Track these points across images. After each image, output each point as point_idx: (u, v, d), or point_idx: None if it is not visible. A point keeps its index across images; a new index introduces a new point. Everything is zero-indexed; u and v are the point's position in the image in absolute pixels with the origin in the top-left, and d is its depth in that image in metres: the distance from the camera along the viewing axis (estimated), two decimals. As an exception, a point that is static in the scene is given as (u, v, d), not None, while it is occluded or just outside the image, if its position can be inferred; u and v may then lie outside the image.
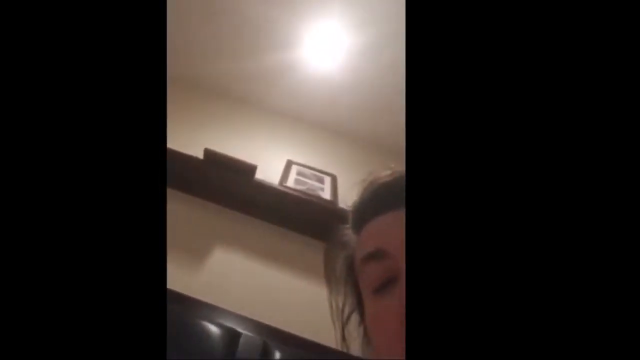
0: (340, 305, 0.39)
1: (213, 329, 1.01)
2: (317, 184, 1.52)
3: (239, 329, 1.06)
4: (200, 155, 1.31)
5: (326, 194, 1.48)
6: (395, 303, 0.30)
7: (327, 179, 1.56)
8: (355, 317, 0.38)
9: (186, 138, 1.40)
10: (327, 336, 0.99)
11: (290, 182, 1.47)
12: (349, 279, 0.38)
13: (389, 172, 0.38)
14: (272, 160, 1.55)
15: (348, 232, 0.39)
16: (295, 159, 1.60)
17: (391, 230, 0.33)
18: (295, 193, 1.38)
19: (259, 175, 1.34)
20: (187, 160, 1.30)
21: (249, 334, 1.06)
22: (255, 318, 1.13)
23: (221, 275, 1.23)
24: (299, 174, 1.54)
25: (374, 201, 0.36)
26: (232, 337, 1.02)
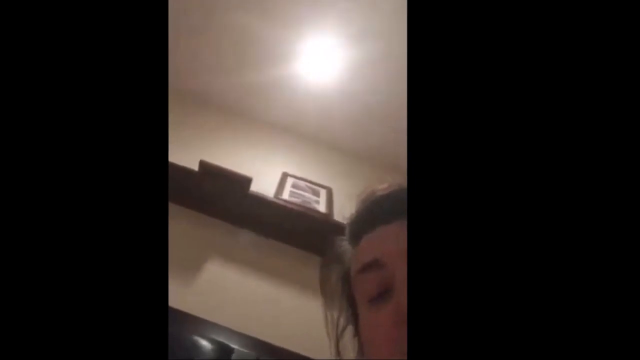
0: (335, 318, 0.39)
1: (205, 344, 0.99)
2: (312, 197, 1.51)
3: (232, 345, 1.04)
4: (195, 167, 1.31)
5: (321, 207, 1.47)
6: (390, 313, 0.30)
7: (323, 192, 1.56)
8: (350, 330, 0.38)
9: (181, 150, 1.39)
10: (320, 352, 0.98)
11: (286, 195, 1.46)
12: (345, 292, 0.38)
13: (385, 185, 0.38)
14: (268, 173, 1.54)
15: (344, 245, 0.39)
16: (290, 172, 1.60)
17: (388, 242, 0.33)
18: (291, 206, 1.37)
19: (254, 187, 1.33)
20: (182, 172, 1.30)
21: (242, 349, 1.04)
22: (249, 333, 1.10)
23: (214, 288, 1.21)
24: (294, 186, 1.53)
25: (371, 214, 0.36)
26: (224, 352, 1.00)
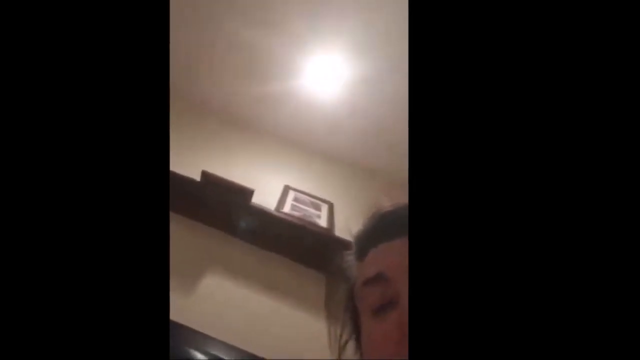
0: (338, 332, 0.38)
1: (200, 357, 0.97)
2: (313, 211, 1.51)
3: (228, 359, 1.02)
4: (197, 177, 1.31)
5: (322, 222, 1.46)
6: (393, 326, 0.30)
7: (324, 207, 1.55)
8: (352, 345, 0.37)
9: (184, 160, 1.39)
10: (319, 369, 0.96)
11: (287, 208, 1.46)
12: (348, 306, 0.38)
13: (392, 201, 0.39)
14: (270, 185, 1.54)
15: (350, 259, 0.40)
16: (292, 185, 1.60)
17: (393, 256, 0.34)
18: (292, 219, 1.37)
19: (256, 199, 1.33)
20: (184, 181, 1.30)
21: (238, 364, 1.02)
22: (245, 348, 1.08)
23: (211, 301, 1.19)
24: (295, 200, 1.53)
25: (377, 229, 0.37)
26: (220, 367, 0.98)
